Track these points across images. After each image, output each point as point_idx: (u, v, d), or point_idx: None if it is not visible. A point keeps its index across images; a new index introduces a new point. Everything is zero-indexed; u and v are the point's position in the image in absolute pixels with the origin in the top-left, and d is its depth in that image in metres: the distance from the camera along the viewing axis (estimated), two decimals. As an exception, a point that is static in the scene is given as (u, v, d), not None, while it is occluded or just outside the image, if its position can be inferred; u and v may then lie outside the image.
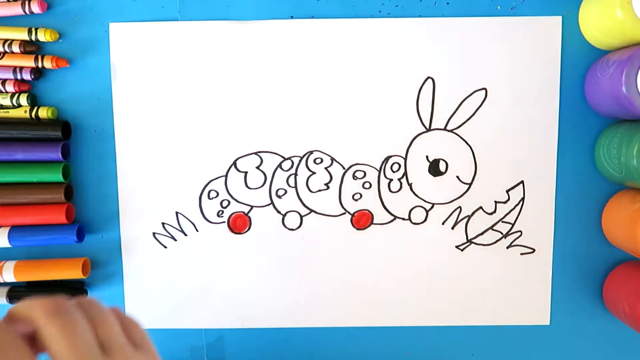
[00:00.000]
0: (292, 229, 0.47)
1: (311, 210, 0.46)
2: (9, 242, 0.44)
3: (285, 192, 0.46)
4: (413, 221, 0.46)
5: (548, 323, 0.47)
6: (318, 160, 0.46)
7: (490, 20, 0.44)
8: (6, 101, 0.44)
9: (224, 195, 0.46)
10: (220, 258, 0.47)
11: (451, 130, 0.45)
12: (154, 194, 0.46)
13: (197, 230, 0.47)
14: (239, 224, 0.47)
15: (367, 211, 0.46)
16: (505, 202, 0.46)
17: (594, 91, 0.43)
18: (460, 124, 0.45)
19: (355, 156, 0.46)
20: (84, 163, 0.46)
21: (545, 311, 0.47)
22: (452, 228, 0.47)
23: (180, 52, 0.45)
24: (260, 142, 0.46)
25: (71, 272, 0.45)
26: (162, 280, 0.47)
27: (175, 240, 0.47)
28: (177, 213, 0.47)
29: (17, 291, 0.46)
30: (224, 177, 0.46)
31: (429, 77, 0.45)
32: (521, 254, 0.47)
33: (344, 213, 0.46)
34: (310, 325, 0.48)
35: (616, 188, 0.46)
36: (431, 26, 0.45)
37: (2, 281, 0.45)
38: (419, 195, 0.46)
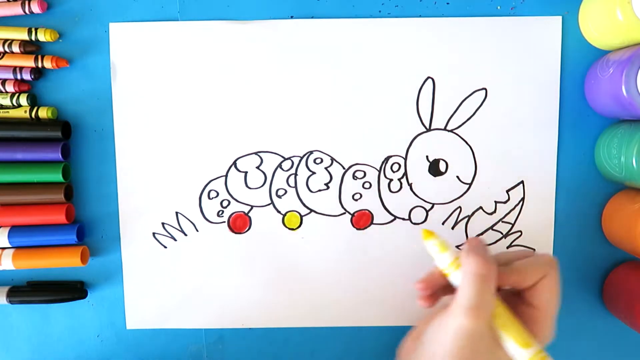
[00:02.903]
0: (292, 229, 0.47)
1: (311, 210, 0.46)
2: (9, 242, 0.44)
3: (285, 192, 0.46)
4: (413, 221, 0.46)
5: (548, 323, 0.47)
6: (318, 160, 0.46)
7: (490, 20, 0.44)
8: (6, 101, 0.44)
9: (224, 195, 0.46)
10: (221, 258, 0.47)
11: (451, 130, 0.45)
12: (154, 194, 0.46)
13: (197, 230, 0.47)
14: (239, 223, 0.47)
15: (367, 211, 0.46)
16: (505, 202, 0.46)
17: (594, 91, 0.43)
18: (460, 124, 0.45)
19: (355, 156, 0.46)
20: (84, 163, 0.46)
21: (545, 311, 0.47)
22: (452, 228, 0.47)
23: (180, 52, 0.45)
24: (260, 142, 0.46)
25: (70, 260, 0.45)
26: (162, 280, 0.47)
27: (175, 240, 0.47)
28: (177, 213, 0.46)
29: (17, 291, 0.46)
30: (224, 177, 0.46)
31: (429, 77, 0.45)
32: (521, 254, 0.47)
33: (344, 213, 0.46)
34: (310, 325, 0.48)
35: (616, 188, 0.46)
36: (431, 26, 0.45)
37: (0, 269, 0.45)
38: (419, 195, 0.46)
